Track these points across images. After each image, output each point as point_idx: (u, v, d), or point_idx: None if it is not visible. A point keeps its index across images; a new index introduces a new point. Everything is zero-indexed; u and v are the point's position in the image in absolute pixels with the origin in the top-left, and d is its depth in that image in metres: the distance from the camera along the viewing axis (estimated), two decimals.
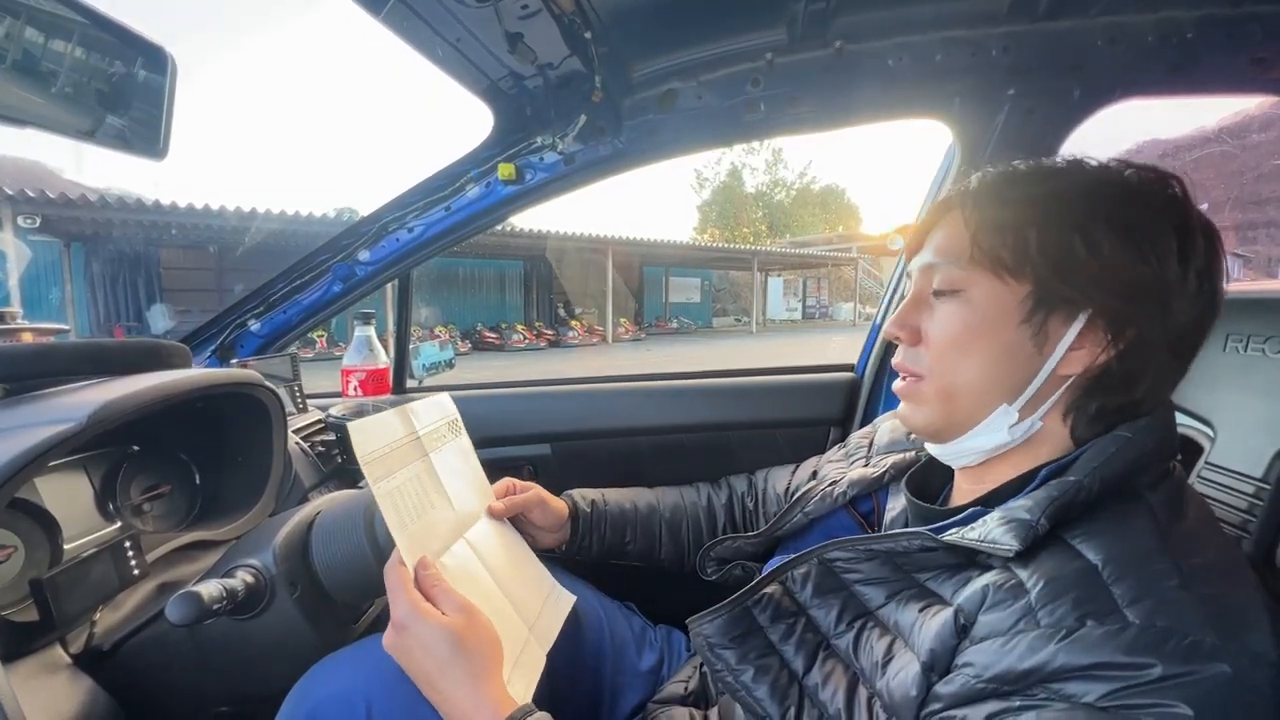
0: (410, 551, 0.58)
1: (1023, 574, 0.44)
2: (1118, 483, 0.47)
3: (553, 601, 0.76)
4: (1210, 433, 0.76)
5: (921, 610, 0.50)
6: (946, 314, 0.54)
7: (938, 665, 0.46)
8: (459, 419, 0.81)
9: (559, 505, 0.86)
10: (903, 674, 0.48)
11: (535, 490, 0.84)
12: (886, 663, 0.50)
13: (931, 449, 0.60)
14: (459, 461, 0.77)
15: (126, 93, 0.65)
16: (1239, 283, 0.85)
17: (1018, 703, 0.40)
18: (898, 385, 0.60)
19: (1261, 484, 0.68)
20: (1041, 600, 0.42)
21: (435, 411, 0.77)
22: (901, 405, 0.60)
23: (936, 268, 0.55)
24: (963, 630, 0.45)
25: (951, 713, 0.43)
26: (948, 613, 0.47)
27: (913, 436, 0.72)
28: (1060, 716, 0.38)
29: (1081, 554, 0.44)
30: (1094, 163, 0.53)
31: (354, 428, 0.62)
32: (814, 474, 0.85)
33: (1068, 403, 0.52)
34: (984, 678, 0.42)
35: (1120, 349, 0.49)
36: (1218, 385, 0.76)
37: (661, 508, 0.93)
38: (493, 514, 0.77)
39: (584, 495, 0.91)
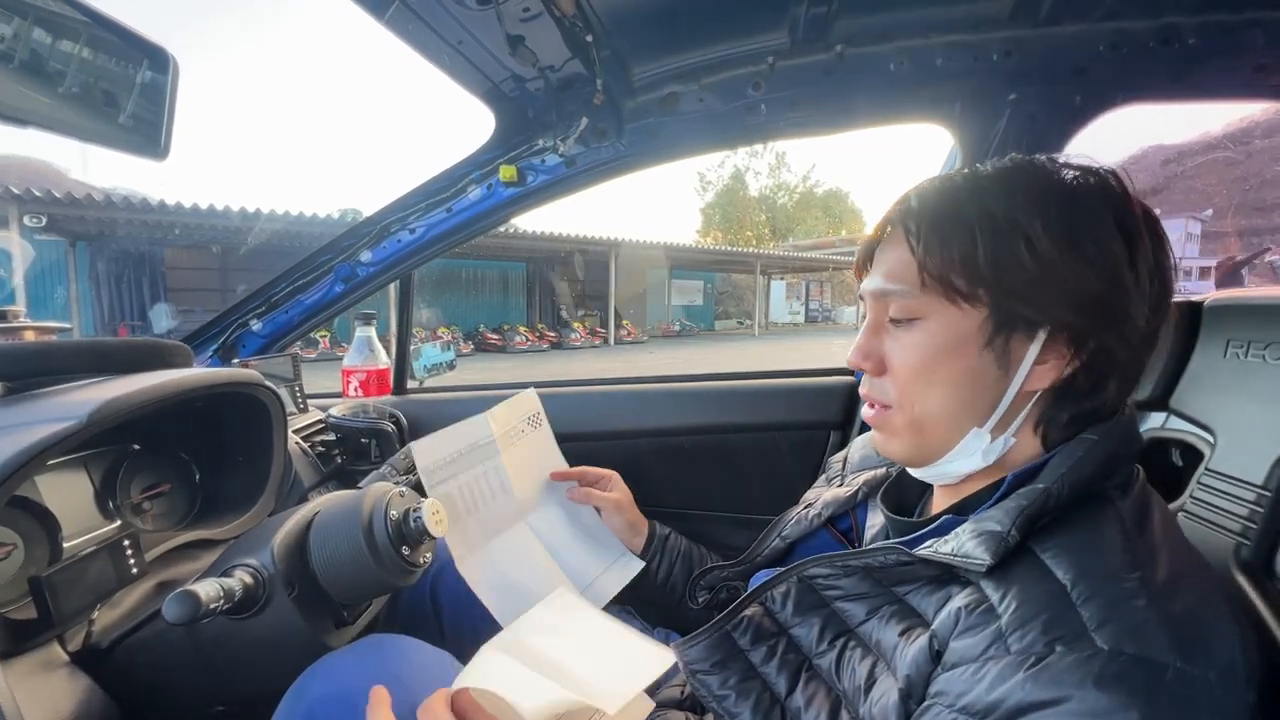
0: (458, 543, 0.75)
1: (994, 595, 0.44)
2: (1086, 487, 0.47)
3: (617, 568, 0.90)
4: (1210, 439, 0.75)
5: (903, 633, 0.49)
6: (907, 344, 0.53)
7: (914, 693, 0.45)
8: (540, 412, 0.96)
9: (636, 518, 0.95)
10: (884, 700, 0.47)
11: (614, 497, 0.95)
12: (869, 687, 0.50)
13: (910, 470, 0.60)
14: (534, 452, 0.93)
15: (128, 93, 0.65)
16: (1242, 289, 0.85)
17: None
18: (867, 414, 0.59)
19: (1262, 490, 0.68)
20: (1012, 625, 0.41)
21: (518, 409, 0.93)
22: (874, 433, 0.59)
23: (890, 295, 0.54)
24: (937, 656, 0.45)
25: None
26: (925, 638, 0.46)
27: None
28: None
29: (1051, 572, 0.43)
30: (1030, 166, 0.52)
31: (415, 448, 0.81)
32: None
33: (1038, 415, 0.52)
34: (955, 707, 0.41)
35: (1084, 359, 0.49)
36: (1218, 391, 0.75)
37: (709, 560, 0.95)
38: (571, 498, 0.93)
39: (662, 527, 0.98)
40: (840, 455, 0.82)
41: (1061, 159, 0.52)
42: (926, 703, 0.44)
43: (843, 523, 0.72)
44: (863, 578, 0.54)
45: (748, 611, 0.60)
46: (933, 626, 0.46)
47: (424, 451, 0.82)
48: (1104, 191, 0.50)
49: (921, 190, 0.54)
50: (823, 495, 0.75)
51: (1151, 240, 0.49)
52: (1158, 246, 0.49)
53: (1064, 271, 0.47)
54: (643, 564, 0.92)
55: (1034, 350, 0.49)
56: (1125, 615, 0.40)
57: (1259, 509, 0.67)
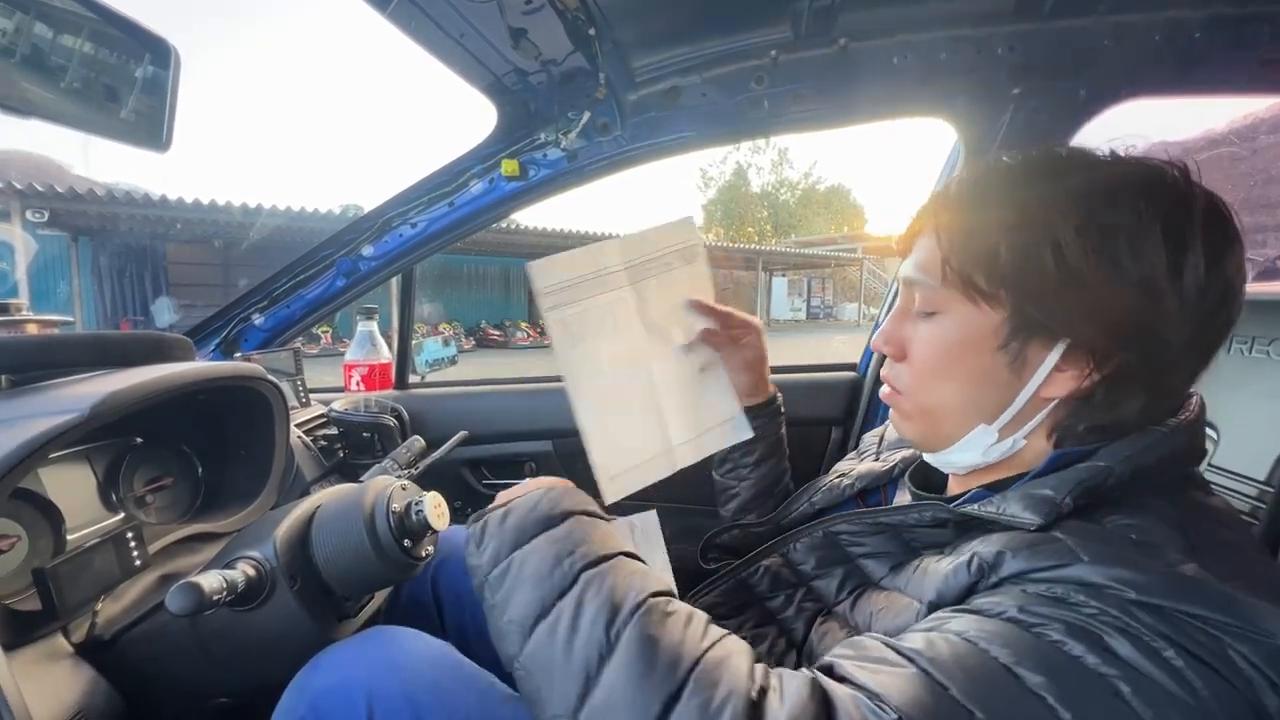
0: (567, 376, 0.72)
1: (1055, 534, 0.42)
2: (1149, 475, 0.44)
3: (722, 430, 0.84)
4: (1214, 435, 0.75)
5: (918, 569, 0.49)
6: (925, 336, 0.53)
7: (944, 601, 0.44)
8: (698, 245, 0.84)
9: (761, 380, 0.87)
10: (901, 618, 0.47)
11: (746, 356, 0.84)
12: (882, 610, 0.50)
13: (924, 455, 0.61)
14: (676, 289, 0.82)
15: (129, 89, 0.65)
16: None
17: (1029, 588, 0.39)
18: (884, 393, 0.59)
19: (1265, 486, 0.68)
20: (1080, 545, 0.40)
21: (666, 238, 0.81)
22: (891, 412, 0.60)
23: (916, 285, 0.54)
24: (980, 571, 0.43)
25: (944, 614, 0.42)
26: (956, 560, 0.45)
27: None
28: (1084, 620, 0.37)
29: (1110, 531, 0.42)
30: (1080, 159, 0.49)
31: (532, 267, 0.73)
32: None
33: (1053, 423, 0.50)
34: (1046, 580, 0.40)
35: (1105, 374, 0.46)
36: (1222, 387, 0.75)
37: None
38: (706, 340, 0.82)
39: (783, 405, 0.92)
40: (876, 432, 0.82)
41: (1117, 149, 0.49)
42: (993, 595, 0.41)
43: (873, 497, 0.72)
44: (891, 537, 0.54)
45: (766, 561, 0.61)
46: (973, 548, 0.45)
47: (541, 272, 0.74)
48: (1158, 192, 0.45)
49: (959, 180, 0.52)
50: (857, 468, 0.74)
51: (1208, 250, 0.44)
52: (1218, 256, 0.44)
53: (1091, 284, 0.44)
54: (751, 434, 0.85)
55: (1052, 359, 0.48)
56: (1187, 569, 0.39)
57: (1262, 504, 0.67)
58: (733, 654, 0.41)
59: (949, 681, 0.36)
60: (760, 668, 0.41)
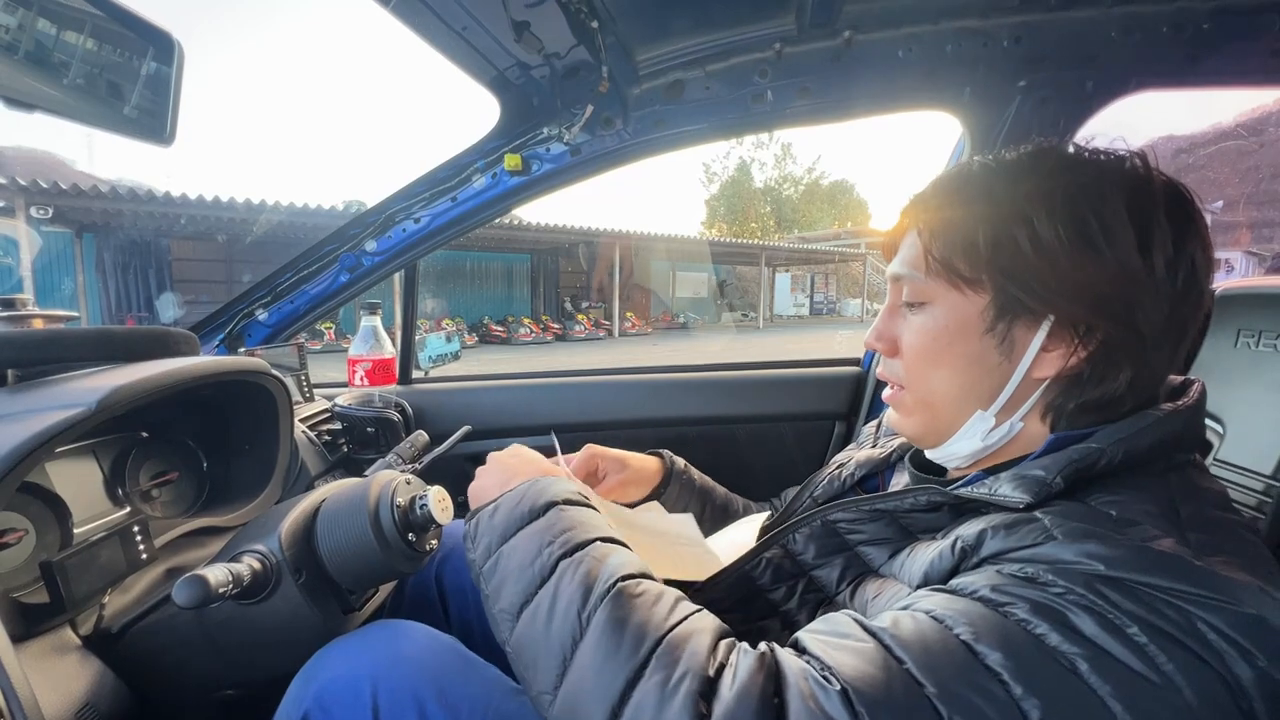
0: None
1: (1035, 514, 0.44)
2: (1141, 458, 0.45)
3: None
4: (1220, 429, 0.75)
5: (910, 554, 0.50)
6: (915, 327, 0.55)
7: (930, 584, 0.45)
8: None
9: (641, 463, 0.87)
10: (893, 597, 0.48)
11: (616, 482, 0.84)
12: (876, 597, 0.51)
13: (926, 453, 0.61)
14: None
15: (132, 85, 0.65)
16: (1250, 278, 0.84)
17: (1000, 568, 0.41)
18: (886, 394, 0.61)
19: (1271, 480, 0.68)
20: (1056, 524, 0.42)
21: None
22: (890, 412, 0.61)
23: (904, 279, 0.55)
24: (963, 553, 0.45)
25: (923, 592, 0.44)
26: (941, 544, 0.46)
27: None
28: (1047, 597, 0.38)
29: (1096, 510, 0.43)
30: (1048, 151, 0.52)
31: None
32: None
33: (1046, 403, 0.51)
34: (1017, 560, 0.41)
35: (1091, 350, 0.48)
36: (1228, 381, 0.75)
37: (734, 503, 0.92)
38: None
39: (675, 457, 0.92)
40: (872, 424, 0.83)
41: (1086, 142, 0.51)
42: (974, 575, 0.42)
43: (871, 484, 0.72)
44: (888, 523, 0.55)
45: (768, 553, 0.61)
46: (956, 532, 0.46)
47: None
48: (1120, 176, 0.48)
49: (938, 178, 0.55)
50: (855, 457, 0.74)
51: (1173, 228, 0.47)
52: (1183, 235, 0.47)
53: (1066, 261, 0.47)
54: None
55: (1039, 338, 0.49)
56: (1165, 545, 0.39)
57: (1268, 499, 0.67)
58: (696, 632, 0.43)
59: (905, 655, 0.37)
60: (725, 644, 0.43)
